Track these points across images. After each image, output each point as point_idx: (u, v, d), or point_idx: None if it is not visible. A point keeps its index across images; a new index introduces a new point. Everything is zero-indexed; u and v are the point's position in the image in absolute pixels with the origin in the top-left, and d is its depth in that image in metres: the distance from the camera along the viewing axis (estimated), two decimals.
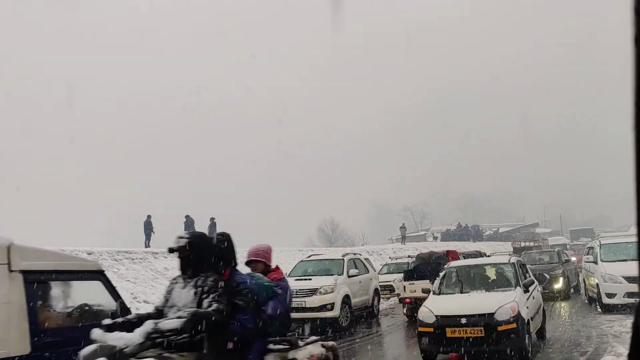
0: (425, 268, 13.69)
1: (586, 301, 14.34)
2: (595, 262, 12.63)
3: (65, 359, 4.23)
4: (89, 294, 5.16)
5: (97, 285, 5.12)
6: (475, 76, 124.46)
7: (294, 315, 11.69)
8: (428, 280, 12.27)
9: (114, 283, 13.36)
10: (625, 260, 12.05)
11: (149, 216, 22.57)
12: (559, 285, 15.29)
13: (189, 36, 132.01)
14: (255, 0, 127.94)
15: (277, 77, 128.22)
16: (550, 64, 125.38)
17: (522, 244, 33.07)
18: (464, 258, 15.55)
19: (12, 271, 4.22)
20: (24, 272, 4.28)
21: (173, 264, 16.62)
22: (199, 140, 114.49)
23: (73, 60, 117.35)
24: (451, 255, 14.87)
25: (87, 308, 5.05)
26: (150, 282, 14.20)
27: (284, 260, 22.40)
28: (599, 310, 12.11)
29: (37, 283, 4.39)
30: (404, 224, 44.34)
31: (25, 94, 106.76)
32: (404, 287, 13.50)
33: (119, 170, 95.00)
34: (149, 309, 12.28)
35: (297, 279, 12.57)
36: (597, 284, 12.15)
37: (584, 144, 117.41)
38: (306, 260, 14.20)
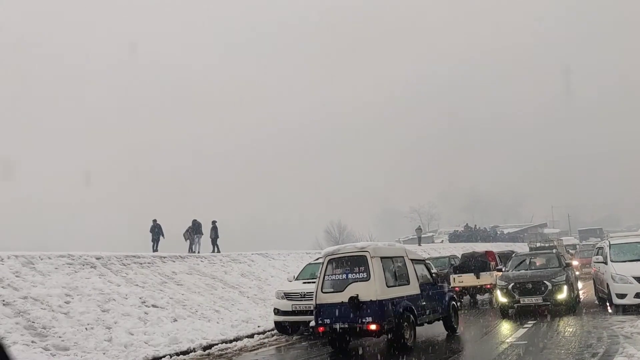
0: (469, 264, 17.45)
1: (596, 302, 14.22)
2: (605, 263, 12.54)
3: (428, 297, 10.40)
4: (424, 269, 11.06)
5: (424, 266, 11.30)
6: (482, 77, 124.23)
7: (302, 318, 11.75)
8: (472, 274, 16.82)
9: (124, 288, 13.40)
10: (636, 260, 11.98)
11: (154, 220, 22.61)
12: (562, 295, 12.44)
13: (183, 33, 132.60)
14: None
15: (284, 80, 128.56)
16: (559, 66, 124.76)
17: (538, 244, 33.08)
18: (499, 259, 18.27)
19: (409, 259, 10.32)
20: (412, 260, 10.42)
21: (181, 268, 16.67)
22: (205, 142, 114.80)
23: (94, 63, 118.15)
24: (489, 255, 18.11)
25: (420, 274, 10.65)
26: (158, 286, 14.24)
27: (291, 263, 22.41)
28: (610, 310, 12.01)
29: (415, 263, 10.48)
30: (420, 226, 45.33)
31: (27, 93, 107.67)
32: (454, 278, 16.90)
33: (123, 173, 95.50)
34: (159, 313, 12.21)
35: (305, 282, 12.55)
36: (608, 285, 12.06)
37: (591, 144, 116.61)
38: (314, 263, 14.13)
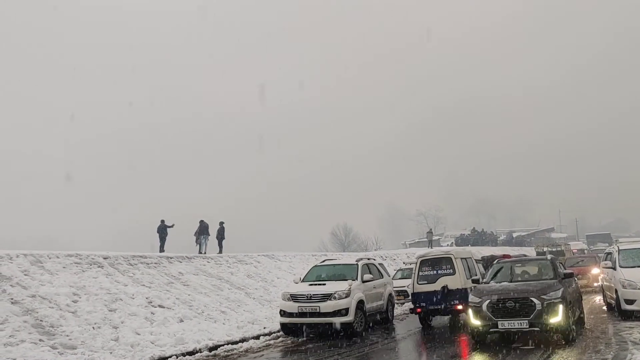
0: (487, 267, 19.38)
1: (604, 307, 14.12)
2: (614, 268, 12.45)
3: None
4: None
5: (481, 264, 14.40)
6: (489, 83, 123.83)
7: (308, 320, 11.75)
8: None
9: (131, 288, 13.38)
10: None
11: (162, 221, 22.57)
12: (557, 318, 8.92)
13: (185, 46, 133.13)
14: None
15: (294, 87, 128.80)
16: (562, 70, 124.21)
17: (545, 249, 32.86)
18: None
19: (473, 259, 14.00)
20: (475, 260, 14.04)
21: (188, 269, 16.71)
22: (212, 145, 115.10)
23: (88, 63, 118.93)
24: (506, 257, 19.06)
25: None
26: (165, 287, 14.28)
27: (297, 264, 22.42)
28: (618, 316, 11.92)
29: (477, 262, 14.18)
30: (430, 229, 46.03)
31: (28, 94, 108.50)
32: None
33: (128, 175, 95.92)
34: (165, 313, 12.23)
35: (311, 284, 12.54)
36: (616, 290, 11.97)
37: (599, 148, 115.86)
38: (320, 265, 14.15)
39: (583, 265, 22.12)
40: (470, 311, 9.71)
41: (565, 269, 11.51)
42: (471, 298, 9.97)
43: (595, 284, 20.06)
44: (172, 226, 22.35)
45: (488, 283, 10.58)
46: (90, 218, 77.83)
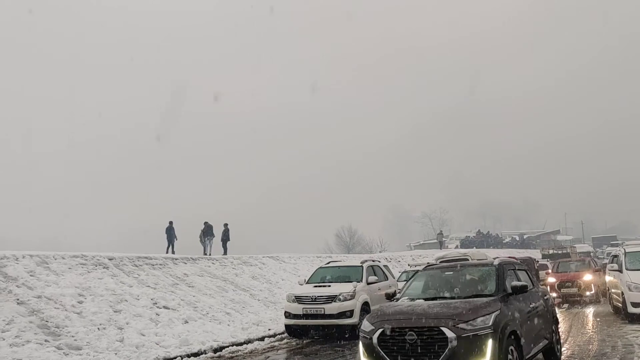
0: None
1: (611, 310, 14.03)
2: (620, 271, 12.38)
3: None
4: None
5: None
6: (493, 85, 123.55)
7: (312, 322, 11.74)
8: None
9: (136, 289, 13.37)
10: None
11: (170, 222, 22.53)
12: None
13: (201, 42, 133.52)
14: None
15: (299, 88, 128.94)
16: (566, 71, 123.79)
17: (551, 251, 32.61)
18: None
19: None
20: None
21: (193, 270, 16.74)
22: (217, 146, 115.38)
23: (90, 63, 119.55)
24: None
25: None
26: (170, 288, 14.31)
27: (302, 266, 22.41)
28: (625, 319, 11.84)
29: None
30: (441, 230, 46.85)
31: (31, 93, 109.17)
32: None
33: (130, 176, 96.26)
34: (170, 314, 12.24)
35: (316, 286, 12.53)
36: (622, 293, 11.90)
37: (604, 149, 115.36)
38: (325, 267, 14.13)
39: (574, 271, 19.00)
40: (360, 345, 6.46)
41: (532, 279, 8.22)
42: (363, 324, 6.59)
43: (589, 293, 17.84)
44: (177, 238, 22.33)
45: (398, 299, 7.23)
46: (92, 218, 78.13)
